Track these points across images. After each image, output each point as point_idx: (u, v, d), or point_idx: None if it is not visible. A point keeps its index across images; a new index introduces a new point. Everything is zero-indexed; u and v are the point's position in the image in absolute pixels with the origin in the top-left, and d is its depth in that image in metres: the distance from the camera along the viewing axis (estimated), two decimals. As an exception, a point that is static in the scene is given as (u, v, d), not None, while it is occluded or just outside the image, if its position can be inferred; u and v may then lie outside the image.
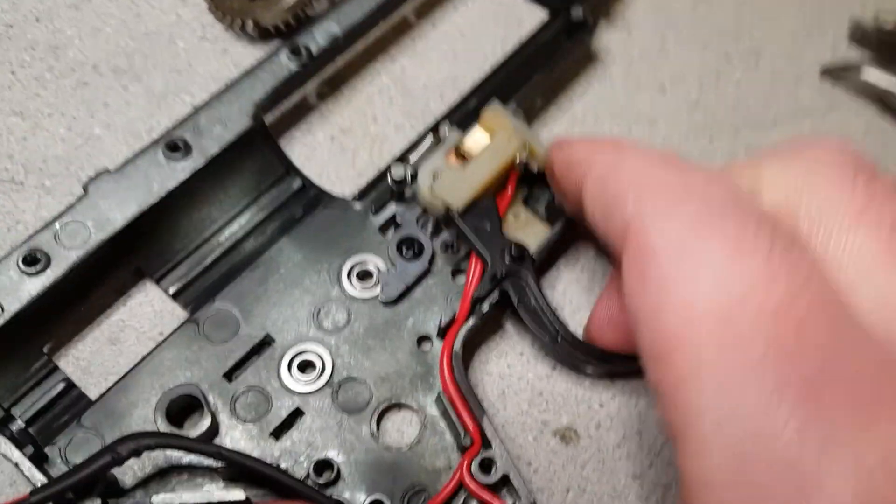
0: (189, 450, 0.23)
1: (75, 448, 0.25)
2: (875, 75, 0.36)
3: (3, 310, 0.25)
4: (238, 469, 0.23)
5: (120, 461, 0.22)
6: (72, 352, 0.28)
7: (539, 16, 0.37)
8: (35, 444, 0.24)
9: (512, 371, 0.29)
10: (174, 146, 0.28)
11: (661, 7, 0.38)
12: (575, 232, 0.31)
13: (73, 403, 0.26)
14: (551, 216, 0.30)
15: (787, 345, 0.16)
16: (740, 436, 0.16)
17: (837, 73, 0.37)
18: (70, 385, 0.27)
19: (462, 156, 0.29)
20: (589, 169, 0.23)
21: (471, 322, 0.27)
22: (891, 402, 0.16)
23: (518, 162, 0.29)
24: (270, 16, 0.33)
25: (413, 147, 0.30)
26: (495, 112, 0.29)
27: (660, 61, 0.37)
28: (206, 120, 0.29)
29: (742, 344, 0.17)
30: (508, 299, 0.27)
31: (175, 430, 0.25)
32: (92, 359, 0.28)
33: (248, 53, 0.34)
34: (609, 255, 0.30)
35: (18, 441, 0.24)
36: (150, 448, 0.22)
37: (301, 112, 0.34)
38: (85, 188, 0.27)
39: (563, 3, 0.35)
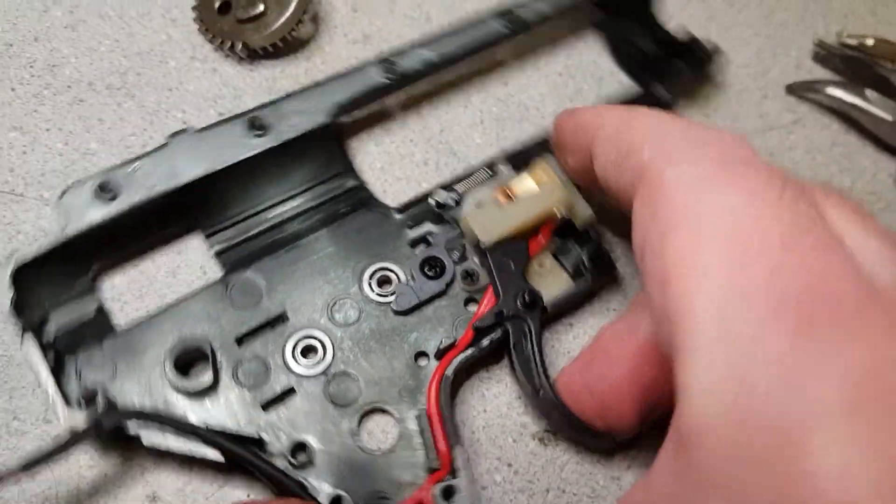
0: (167, 425, 0.25)
1: (89, 366, 0.27)
2: (839, 92, 0.38)
3: (67, 225, 0.28)
4: (214, 446, 0.25)
5: (102, 436, 0.24)
6: (113, 280, 0.30)
7: (618, 83, 0.38)
8: (57, 353, 0.27)
9: (491, 374, 0.30)
10: (255, 124, 0.31)
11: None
12: (602, 287, 0.32)
13: (100, 326, 0.29)
14: (576, 274, 0.31)
15: (790, 271, 0.18)
16: (738, 348, 0.18)
17: (802, 90, 0.39)
18: (102, 309, 0.29)
19: (507, 195, 0.30)
20: (600, 127, 0.25)
21: (468, 352, 0.28)
22: (874, 320, 0.18)
23: (557, 216, 0.30)
24: (258, 38, 0.35)
25: (464, 176, 0.32)
26: (547, 164, 0.30)
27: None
28: (289, 108, 0.31)
29: (748, 266, 0.18)
30: (507, 339, 0.29)
31: (179, 377, 0.27)
32: (128, 291, 0.30)
33: (236, 73, 0.35)
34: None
35: (44, 346, 0.27)
36: (128, 417, 0.25)
37: (380, 118, 0.36)
38: (167, 140, 0.30)
39: (650, 79, 0.36)
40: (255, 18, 0.35)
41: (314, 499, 0.26)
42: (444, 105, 0.37)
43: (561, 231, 0.31)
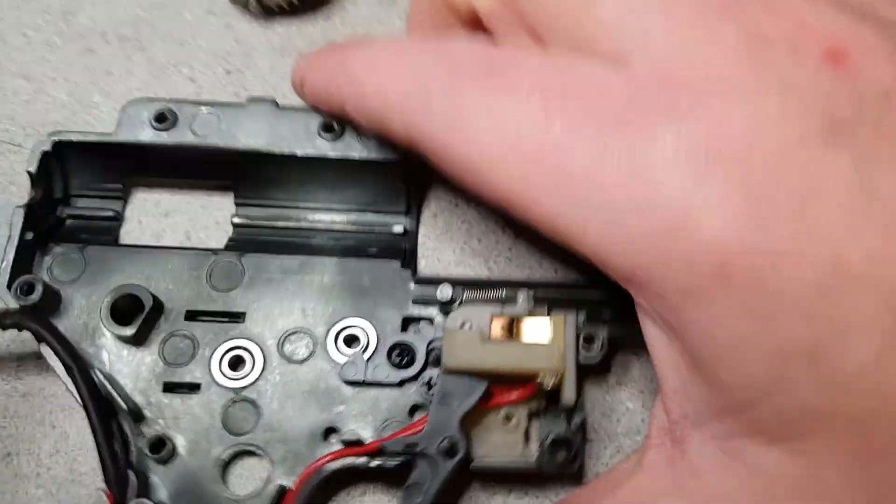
0: (52, 347, 0.25)
1: (60, 263, 0.28)
2: None
3: (116, 132, 0.29)
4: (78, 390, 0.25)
5: (4, 328, 0.25)
6: (143, 197, 0.31)
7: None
8: (42, 237, 0.28)
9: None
10: (329, 127, 0.29)
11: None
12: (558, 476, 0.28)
13: (101, 232, 0.30)
14: (543, 454, 0.27)
15: None
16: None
17: None
18: (116, 218, 0.30)
19: (507, 330, 0.27)
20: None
21: (360, 460, 0.25)
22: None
23: (539, 381, 0.26)
24: None
25: (484, 284, 0.28)
26: (563, 323, 0.26)
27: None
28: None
29: None
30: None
31: (108, 315, 0.27)
32: (149, 215, 0.31)
33: (250, 30, 0.34)
34: None
35: (48, 224, 0.28)
36: (29, 328, 0.25)
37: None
38: (247, 101, 0.30)
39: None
40: None
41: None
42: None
43: (554, 396, 0.27)
